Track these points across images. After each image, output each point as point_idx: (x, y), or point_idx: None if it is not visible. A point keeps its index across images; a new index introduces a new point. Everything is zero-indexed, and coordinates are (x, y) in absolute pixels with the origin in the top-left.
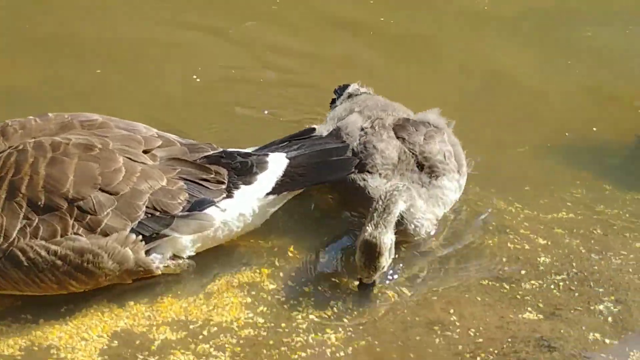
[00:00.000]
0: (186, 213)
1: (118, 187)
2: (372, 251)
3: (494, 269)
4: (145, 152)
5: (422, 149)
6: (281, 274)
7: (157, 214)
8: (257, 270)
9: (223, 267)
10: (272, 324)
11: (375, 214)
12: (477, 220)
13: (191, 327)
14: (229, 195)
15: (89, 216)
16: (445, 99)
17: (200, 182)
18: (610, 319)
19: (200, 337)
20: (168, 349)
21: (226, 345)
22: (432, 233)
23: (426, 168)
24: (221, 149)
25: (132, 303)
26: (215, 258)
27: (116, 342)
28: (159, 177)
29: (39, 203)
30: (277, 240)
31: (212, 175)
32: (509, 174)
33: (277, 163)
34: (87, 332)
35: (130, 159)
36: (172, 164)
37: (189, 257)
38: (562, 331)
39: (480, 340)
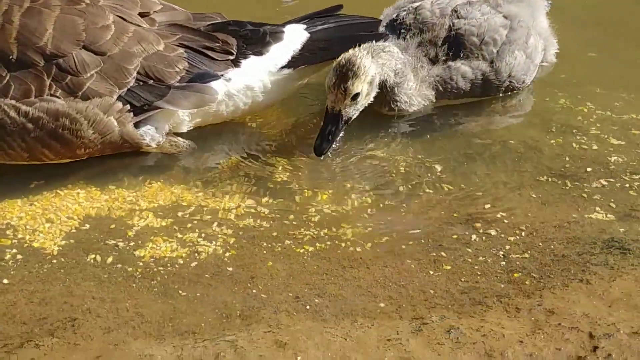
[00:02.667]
0: (184, 84)
1: (105, 46)
2: (347, 67)
3: (555, 167)
4: (142, 15)
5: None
6: (297, 165)
7: (151, 82)
8: (269, 160)
9: (228, 153)
10: (278, 215)
11: (368, 45)
12: (538, 117)
13: (180, 213)
14: (236, 64)
15: (69, 77)
16: None
17: (204, 50)
18: None
19: (189, 225)
20: (147, 236)
21: (219, 235)
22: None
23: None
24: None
25: (113, 186)
26: (220, 141)
27: (87, 225)
28: (155, 40)
29: (11, 57)
30: (298, 128)
31: (219, 44)
32: (579, 77)
33: (295, 35)
34: (55, 213)
35: (122, 18)
36: (172, 30)
37: (189, 139)
38: (639, 233)
39: (533, 240)
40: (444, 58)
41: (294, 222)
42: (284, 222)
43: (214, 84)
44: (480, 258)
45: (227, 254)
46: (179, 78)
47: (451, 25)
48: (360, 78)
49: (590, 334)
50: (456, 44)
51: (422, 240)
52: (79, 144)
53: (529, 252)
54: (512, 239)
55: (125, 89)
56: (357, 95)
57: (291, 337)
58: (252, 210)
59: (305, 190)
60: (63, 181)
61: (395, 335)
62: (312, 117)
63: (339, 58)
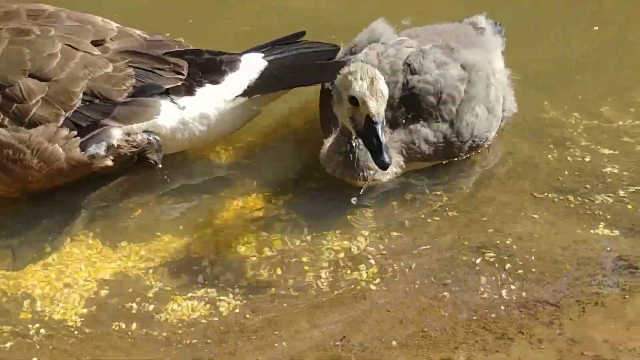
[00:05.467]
0: (129, 99)
1: (51, 72)
2: (371, 75)
3: (554, 183)
4: (96, 43)
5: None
6: (302, 202)
7: (97, 101)
8: (274, 198)
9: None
10: (293, 259)
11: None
12: (528, 132)
13: (194, 267)
14: (191, 92)
15: (15, 104)
16: None
17: (153, 70)
18: None
19: (205, 280)
20: (167, 295)
21: (236, 288)
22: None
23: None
24: (193, 48)
25: (124, 242)
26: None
27: (106, 289)
28: (102, 64)
29: None
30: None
31: (169, 66)
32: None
33: (252, 64)
34: (72, 276)
35: (70, 46)
36: (124, 56)
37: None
38: None
39: (544, 263)
40: (403, 121)
41: (306, 266)
42: (298, 266)
43: (158, 98)
44: (495, 289)
45: (248, 308)
46: (126, 95)
47: (405, 83)
48: (382, 79)
49: None
50: (413, 105)
51: (437, 276)
52: (25, 174)
53: (541, 277)
54: (522, 264)
55: (72, 111)
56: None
57: None
58: (267, 258)
59: (316, 230)
60: (73, 240)
61: None
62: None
63: (358, 69)
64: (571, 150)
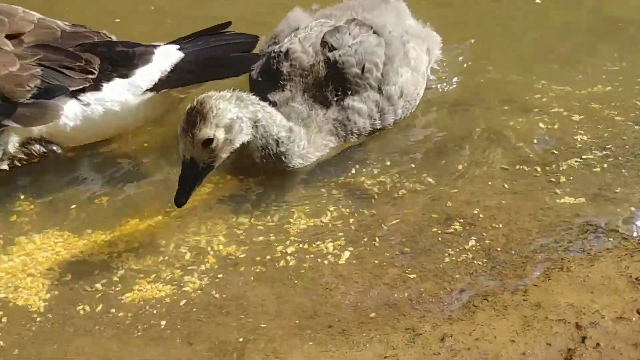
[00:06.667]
0: (31, 101)
1: None
2: (197, 109)
3: (522, 152)
4: (10, 37)
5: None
6: (270, 183)
7: None
8: (243, 179)
9: None
10: (260, 238)
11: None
12: (494, 99)
13: (161, 249)
14: (97, 88)
15: None
16: None
17: (61, 69)
18: None
19: (172, 261)
20: (132, 278)
21: (202, 267)
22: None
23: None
24: (111, 39)
25: (89, 229)
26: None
27: (69, 275)
28: (9, 62)
29: None
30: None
31: (80, 64)
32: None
33: (166, 56)
34: (36, 267)
35: None
36: (35, 51)
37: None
38: (609, 211)
39: (511, 232)
40: (335, 99)
41: (275, 243)
42: (265, 244)
43: (61, 101)
44: (462, 257)
45: (214, 286)
46: (29, 96)
47: (327, 60)
48: (209, 122)
49: (577, 325)
50: (340, 80)
51: (405, 247)
52: None
53: (509, 245)
54: (491, 233)
55: None
56: (209, 141)
57: None
58: (233, 237)
59: (283, 208)
60: (39, 230)
61: (392, 351)
62: None
63: (194, 100)
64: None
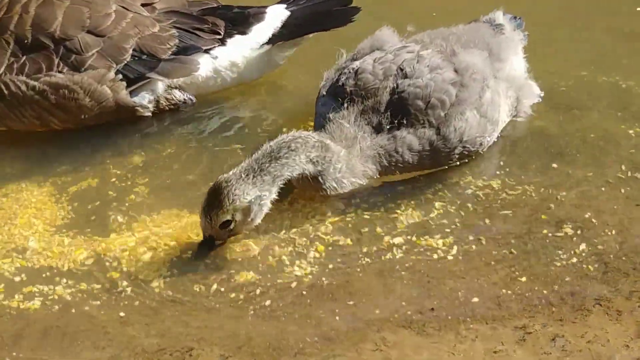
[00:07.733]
0: (172, 57)
1: (106, 30)
2: (214, 195)
3: (636, 159)
4: (145, 4)
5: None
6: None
7: (144, 57)
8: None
9: None
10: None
11: (255, 159)
12: (608, 104)
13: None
14: (222, 43)
15: (73, 55)
16: None
17: (194, 30)
18: None
19: (284, 245)
20: (245, 262)
21: (314, 255)
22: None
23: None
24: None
25: (176, 209)
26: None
27: (189, 253)
28: (150, 24)
29: (26, 41)
30: None
31: (208, 26)
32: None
33: (276, 14)
34: (157, 241)
35: (124, 7)
36: (168, 16)
37: (188, 98)
38: None
39: (625, 239)
40: (388, 127)
41: (382, 234)
42: (371, 234)
43: (197, 57)
44: (573, 261)
45: (323, 274)
46: (169, 53)
47: (395, 87)
48: (224, 209)
49: None
50: (401, 110)
51: (513, 248)
52: (78, 111)
53: (622, 252)
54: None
55: (122, 64)
56: (227, 223)
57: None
58: (340, 225)
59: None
60: (158, 211)
61: (501, 347)
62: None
63: (214, 183)
64: None
